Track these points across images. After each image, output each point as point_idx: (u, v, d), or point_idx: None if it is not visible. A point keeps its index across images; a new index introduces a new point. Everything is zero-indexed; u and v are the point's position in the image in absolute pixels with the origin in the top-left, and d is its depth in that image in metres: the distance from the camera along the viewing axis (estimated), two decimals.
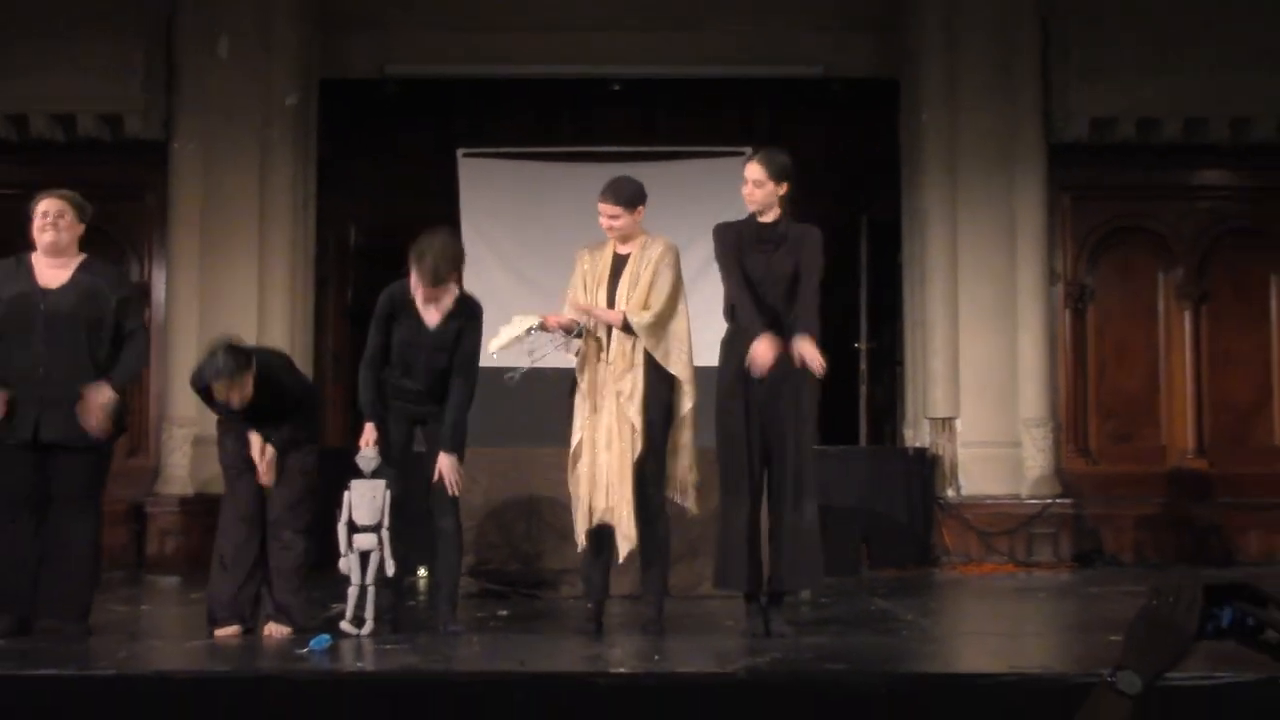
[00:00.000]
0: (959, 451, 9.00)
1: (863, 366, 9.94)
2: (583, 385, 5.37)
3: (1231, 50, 8.91)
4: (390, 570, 5.18)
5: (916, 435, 9.29)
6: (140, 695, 4.06)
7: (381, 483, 5.19)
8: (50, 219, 5.22)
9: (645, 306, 5.33)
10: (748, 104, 10.30)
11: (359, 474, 5.21)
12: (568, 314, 5.42)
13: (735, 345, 5.21)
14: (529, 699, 3.98)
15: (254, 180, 8.98)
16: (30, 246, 5.28)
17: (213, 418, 5.57)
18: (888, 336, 10.11)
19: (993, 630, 6.19)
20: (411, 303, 5.38)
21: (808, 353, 5.02)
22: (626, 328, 5.30)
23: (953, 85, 9.13)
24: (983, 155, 9.09)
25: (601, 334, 5.38)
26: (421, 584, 6.85)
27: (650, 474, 5.32)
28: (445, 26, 9.68)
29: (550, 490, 6.33)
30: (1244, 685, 3.68)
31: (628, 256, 5.42)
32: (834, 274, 10.86)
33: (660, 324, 5.33)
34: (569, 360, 5.50)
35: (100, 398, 5.05)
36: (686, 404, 5.40)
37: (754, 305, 5.15)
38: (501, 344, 5.35)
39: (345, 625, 5.09)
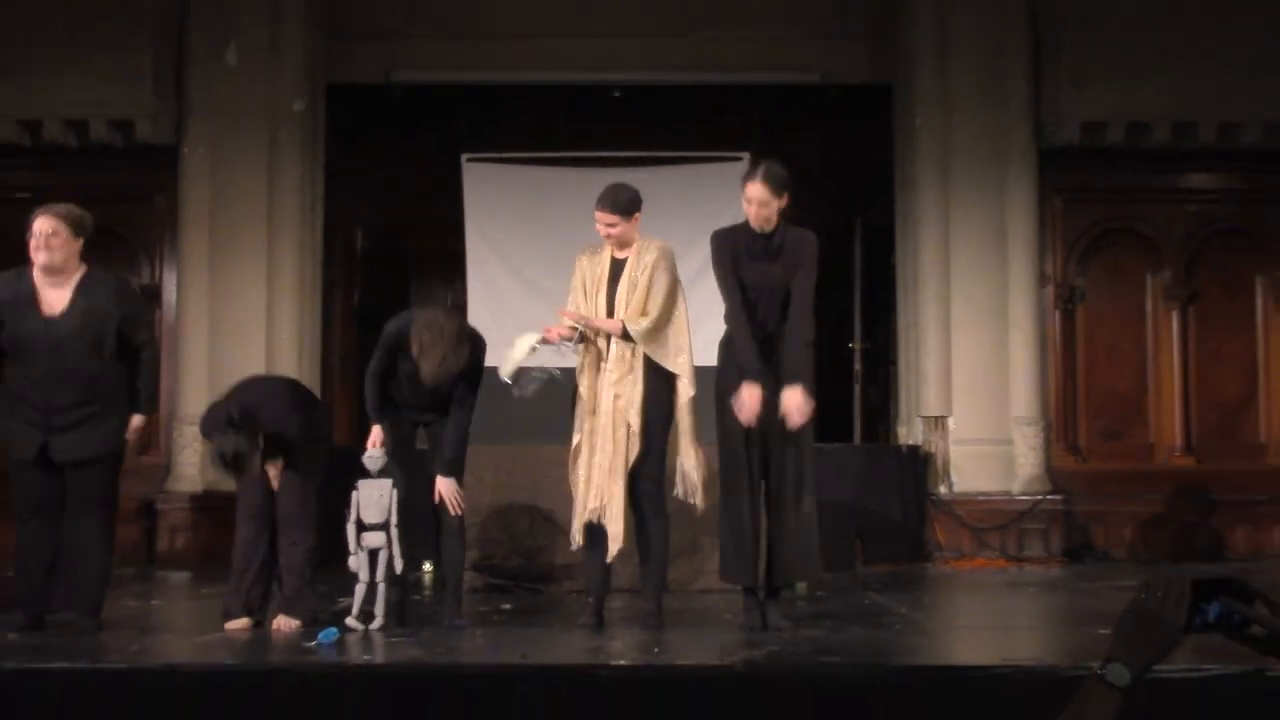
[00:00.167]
0: (951, 449, 9.01)
1: (857, 366, 9.93)
2: (583, 390, 5.38)
3: (1220, 56, 8.90)
4: (399, 567, 5.19)
5: (910, 433, 9.30)
6: (151, 688, 4.07)
7: (388, 482, 5.21)
8: (43, 239, 5.10)
9: (644, 311, 5.33)
10: (745, 110, 10.30)
11: (366, 474, 5.22)
12: (566, 323, 5.40)
13: (733, 349, 5.20)
14: (531, 691, 3.99)
15: (262, 184, 8.98)
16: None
17: None
18: (882, 336, 10.11)
19: (985, 624, 6.19)
20: None
21: (792, 406, 5.02)
22: (626, 335, 5.30)
23: (945, 91, 9.14)
24: (975, 159, 9.09)
25: (601, 341, 5.38)
26: (426, 579, 6.85)
27: (649, 472, 5.32)
28: (449, 34, 9.68)
29: (552, 487, 6.33)
30: (1230, 678, 3.68)
31: (625, 260, 5.43)
32: (829, 276, 10.86)
33: (659, 328, 5.34)
34: (573, 360, 5.50)
35: (134, 426, 5.24)
36: (687, 399, 5.40)
37: (750, 340, 5.11)
38: (510, 370, 5.35)
39: (350, 621, 5.09)
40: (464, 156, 9.63)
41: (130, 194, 9.28)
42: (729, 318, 5.26)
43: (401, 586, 5.36)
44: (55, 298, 5.10)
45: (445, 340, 4.99)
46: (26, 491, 5.10)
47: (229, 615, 5.21)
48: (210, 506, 8.19)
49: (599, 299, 5.39)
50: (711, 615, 5.77)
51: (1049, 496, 8.90)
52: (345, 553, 5.19)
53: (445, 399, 5.31)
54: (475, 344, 5.25)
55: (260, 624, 5.20)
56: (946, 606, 6.94)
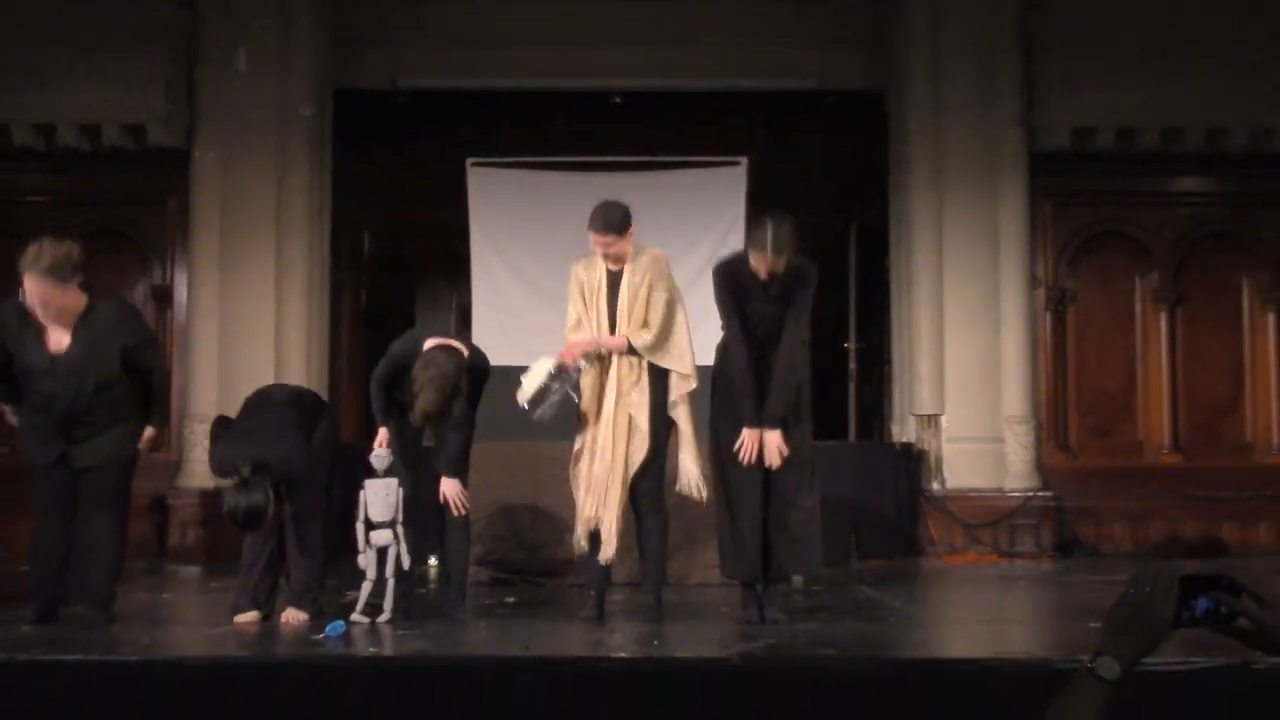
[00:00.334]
0: (944, 447, 9.01)
1: (852, 365, 9.94)
2: (588, 399, 5.37)
3: (1207, 63, 8.90)
4: (406, 564, 5.19)
5: (903, 431, 9.29)
6: (161, 680, 4.06)
7: (394, 480, 5.21)
8: (37, 307, 4.97)
9: (645, 322, 5.32)
10: (744, 116, 10.30)
11: (372, 473, 5.22)
12: (577, 345, 5.35)
13: (733, 384, 5.22)
14: (534, 683, 3.98)
15: (271, 187, 8.97)
16: None
17: (233, 413, 5.57)
18: (876, 337, 10.11)
19: (977, 617, 6.18)
20: None
21: (771, 449, 5.09)
22: (631, 349, 5.31)
23: (938, 96, 9.13)
24: (967, 163, 9.09)
25: (604, 354, 5.38)
26: (432, 573, 6.85)
27: (650, 471, 5.34)
28: (454, 41, 9.68)
29: (554, 484, 6.32)
30: (1217, 670, 3.68)
31: (621, 271, 5.40)
32: (825, 278, 10.88)
33: (662, 339, 5.35)
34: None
35: (146, 436, 5.28)
36: (687, 401, 5.40)
37: (750, 384, 5.14)
38: (528, 396, 5.33)
39: (356, 616, 5.08)
40: (469, 161, 9.63)
41: (142, 197, 9.28)
42: (731, 353, 5.24)
43: (407, 581, 5.35)
44: (59, 335, 5.05)
45: (443, 392, 4.92)
46: (42, 490, 5.11)
47: (238, 609, 5.20)
48: (220, 502, 8.16)
49: (599, 311, 5.37)
50: (709, 609, 5.77)
51: (1040, 493, 8.90)
52: (352, 548, 5.19)
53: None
54: (475, 374, 5.22)
55: (268, 617, 5.20)
56: (939, 600, 6.94)
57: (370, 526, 5.17)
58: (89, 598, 5.11)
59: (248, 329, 8.85)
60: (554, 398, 5.30)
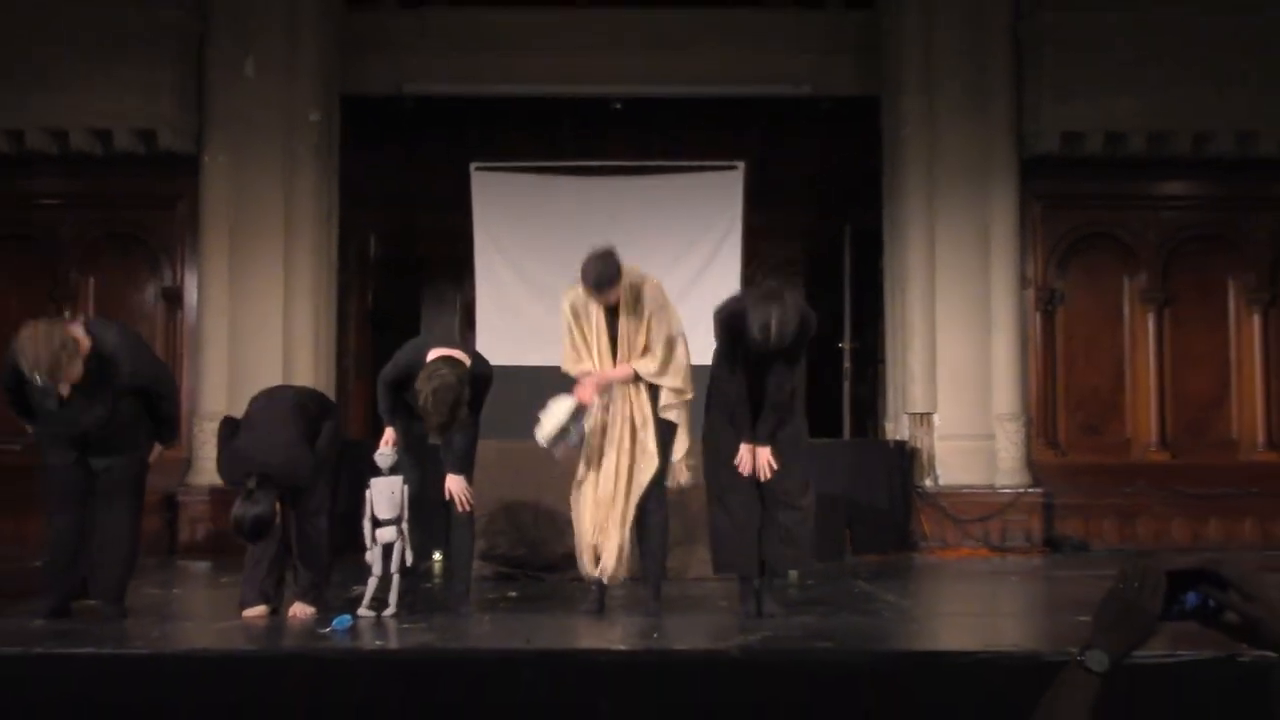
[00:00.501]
0: (936, 444, 9.00)
1: (847, 365, 9.94)
2: (592, 426, 5.38)
3: (1193, 70, 8.90)
4: (410, 560, 5.19)
5: (897, 429, 9.29)
6: (172, 673, 4.06)
7: (399, 478, 5.21)
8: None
9: (646, 347, 5.32)
10: (741, 121, 10.29)
11: (378, 471, 5.22)
12: (590, 384, 5.32)
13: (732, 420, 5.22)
14: (536, 675, 3.98)
15: (279, 191, 8.97)
16: None
17: (240, 412, 5.56)
18: (870, 337, 10.11)
19: (968, 611, 6.18)
20: None
21: (762, 464, 5.15)
22: (637, 377, 5.33)
23: (931, 102, 9.13)
24: (959, 167, 9.08)
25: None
26: (437, 568, 6.84)
27: (656, 477, 5.36)
28: (459, 48, 9.68)
29: (556, 481, 6.31)
30: (1204, 663, 3.68)
31: (617, 300, 5.37)
32: (820, 279, 10.93)
33: (665, 365, 5.36)
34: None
35: (155, 451, 5.36)
36: (682, 411, 5.43)
37: (747, 413, 5.17)
38: (549, 436, 5.32)
39: (363, 610, 5.08)
40: (473, 165, 9.62)
41: (153, 200, 9.28)
42: (725, 385, 5.25)
43: (413, 576, 5.35)
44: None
45: (447, 403, 4.91)
46: (58, 487, 5.11)
47: (246, 603, 5.20)
48: (229, 499, 8.10)
49: (600, 343, 5.37)
50: (708, 602, 5.77)
51: (1030, 489, 8.90)
52: (359, 544, 5.19)
53: None
54: (478, 382, 5.20)
55: (276, 611, 5.19)
56: (932, 594, 6.93)
57: (376, 524, 5.16)
58: (102, 592, 5.11)
59: (256, 329, 8.84)
60: (572, 437, 5.31)
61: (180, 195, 9.19)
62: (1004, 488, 8.88)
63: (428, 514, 5.46)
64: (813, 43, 9.78)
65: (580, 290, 5.33)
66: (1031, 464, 9.05)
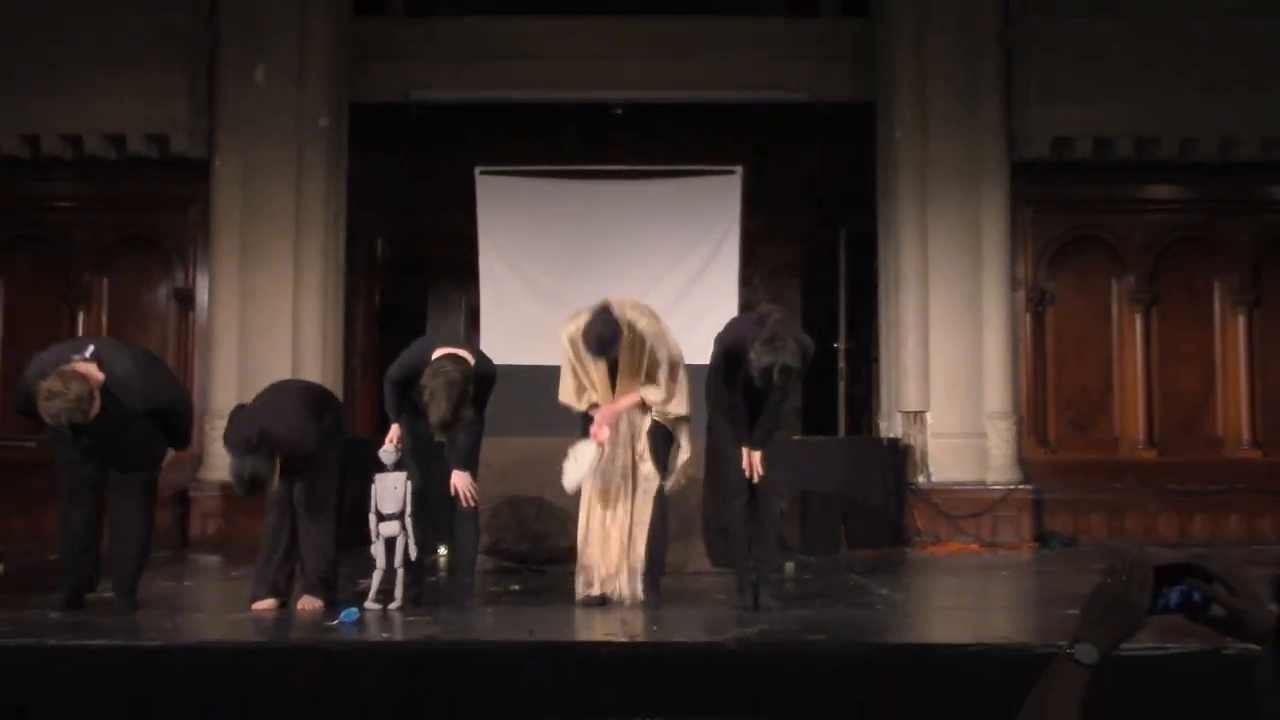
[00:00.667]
0: (929, 441, 9.00)
1: (841, 364, 9.92)
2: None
3: (1180, 77, 8.91)
4: (413, 554, 5.17)
5: (890, 427, 9.28)
6: (183, 664, 4.05)
7: (402, 475, 5.20)
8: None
9: (647, 375, 5.32)
10: (738, 127, 10.29)
11: (382, 468, 5.21)
12: (604, 422, 5.31)
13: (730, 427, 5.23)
14: (538, 666, 3.97)
15: (289, 195, 8.97)
16: None
17: None
18: (864, 337, 10.10)
19: (960, 605, 6.17)
20: None
21: (755, 461, 5.17)
22: (642, 403, 5.36)
23: (924, 108, 9.13)
24: (951, 171, 9.08)
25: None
26: (442, 562, 6.84)
27: (653, 464, 5.37)
28: (464, 57, 9.68)
29: (557, 478, 6.30)
30: (1190, 655, 3.67)
31: None
32: (816, 280, 10.92)
33: (670, 392, 5.36)
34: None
35: (167, 457, 5.35)
36: (685, 440, 5.47)
37: (745, 425, 5.20)
38: (576, 482, 5.34)
39: (369, 603, 5.08)
40: (477, 170, 9.62)
41: (165, 203, 9.28)
42: (723, 403, 5.27)
43: (417, 570, 5.34)
44: None
45: (451, 400, 4.88)
46: (71, 483, 5.10)
47: (256, 596, 5.19)
48: (239, 495, 8.16)
49: (602, 375, 5.36)
50: (706, 596, 5.76)
51: (1020, 486, 8.89)
52: (365, 538, 5.18)
53: None
54: (482, 381, 5.18)
55: (285, 604, 5.18)
56: (925, 588, 6.92)
57: (379, 518, 5.16)
58: (115, 585, 5.11)
59: (266, 329, 8.84)
60: (590, 473, 5.33)
61: (192, 199, 9.19)
62: (995, 484, 8.88)
63: (432, 510, 5.45)
64: (809, 50, 9.78)
65: (581, 322, 5.30)
66: (1022, 461, 9.05)
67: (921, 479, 8.96)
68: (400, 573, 5.14)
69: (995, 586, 6.88)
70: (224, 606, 5.67)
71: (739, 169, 9.53)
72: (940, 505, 8.84)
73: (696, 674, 4.00)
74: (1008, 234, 9.16)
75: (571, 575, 5.79)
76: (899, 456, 8.93)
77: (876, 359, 9.79)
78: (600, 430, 5.30)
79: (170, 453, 5.38)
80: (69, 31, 8.75)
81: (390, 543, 5.14)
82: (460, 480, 5.30)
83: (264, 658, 4.14)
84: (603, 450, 5.31)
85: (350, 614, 4.79)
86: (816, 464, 8.17)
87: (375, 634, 4.60)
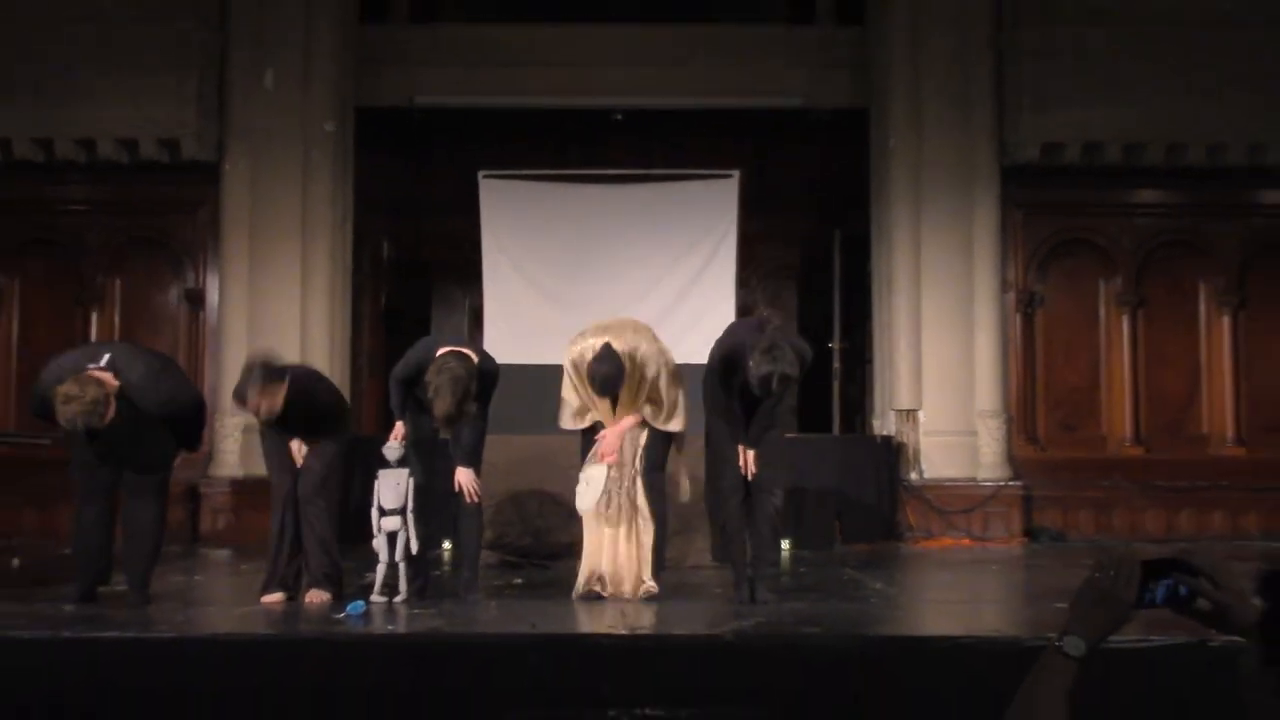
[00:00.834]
0: (921, 439, 9.00)
1: (836, 364, 9.92)
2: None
3: (1168, 84, 8.91)
4: (414, 548, 5.17)
5: (884, 425, 9.29)
6: (194, 656, 4.06)
7: (405, 471, 5.21)
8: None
9: (648, 396, 5.32)
10: (736, 132, 10.28)
11: (386, 464, 5.21)
12: (613, 444, 5.32)
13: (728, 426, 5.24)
14: (540, 658, 3.98)
15: (297, 197, 8.97)
16: None
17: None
18: (859, 337, 10.10)
19: (952, 598, 6.17)
20: None
21: (750, 459, 5.18)
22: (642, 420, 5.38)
23: (918, 114, 9.13)
24: (943, 176, 9.08)
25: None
26: (446, 556, 6.84)
27: (652, 460, 5.40)
28: (468, 62, 9.67)
29: (559, 474, 6.33)
30: (1176, 647, 3.68)
31: None
32: (812, 282, 10.91)
33: (670, 409, 5.37)
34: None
35: (179, 458, 5.36)
36: (681, 437, 5.49)
37: (742, 425, 5.20)
38: (590, 504, 5.34)
39: (375, 596, 5.08)
40: (481, 174, 9.62)
41: (176, 206, 9.28)
42: (720, 405, 5.27)
43: (421, 564, 5.34)
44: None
45: (455, 395, 4.90)
46: (85, 481, 5.11)
47: (265, 589, 5.20)
48: (249, 490, 8.18)
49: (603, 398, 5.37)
50: (704, 590, 5.77)
51: (1010, 483, 8.90)
52: (370, 533, 5.18)
53: None
54: (485, 378, 5.19)
55: (293, 597, 5.19)
56: (917, 582, 6.92)
57: (381, 513, 5.16)
58: (128, 580, 5.11)
59: (274, 329, 8.83)
60: (602, 493, 5.34)
61: (202, 201, 9.19)
62: (986, 481, 8.88)
63: (437, 505, 5.45)
64: (805, 57, 9.78)
65: (582, 347, 5.30)
66: (1012, 458, 9.05)
67: (914, 476, 8.97)
68: (402, 566, 5.14)
69: (986, 581, 6.89)
70: (234, 600, 5.69)
71: (736, 173, 9.53)
72: (932, 501, 8.84)
73: (695, 666, 4.01)
74: (999, 237, 9.16)
75: (572, 569, 5.81)
76: (892, 454, 8.93)
77: (870, 359, 9.79)
78: (610, 454, 5.31)
79: (182, 456, 5.39)
80: (82, 38, 8.75)
81: (392, 537, 5.15)
82: (464, 476, 5.30)
83: (273, 649, 4.15)
84: (611, 471, 5.32)
85: (356, 607, 4.80)
86: (812, 461, 8.16)
87: (381, 626, 4.61)
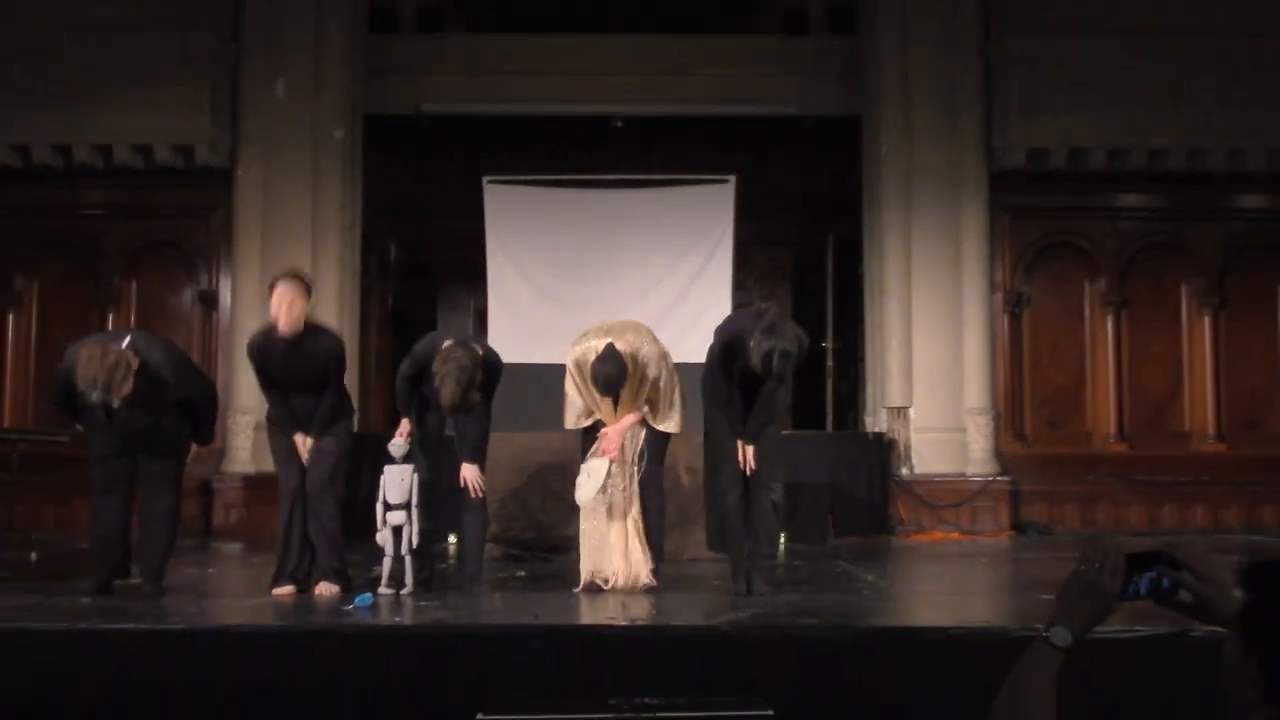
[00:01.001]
0: (912, 436, 9.00)
1: (829, 363, 9.94)
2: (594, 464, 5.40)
3: (1149, 91, 8.92)
4: (415, 542, 5.16)
5: (875, 422, 9.29)
6: (207, 647, 4.05)
7: (409, 467, 5.19)
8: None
9: (650, 400, 5.32)
10: (732, 138, 10.30)
11: (391, 460, 5.21)
12: (614, 441, 5.30)
13: (726, 416, 5.24)
14: (544, 648, 3.97)
15: (307, 202, 8.97)
16: None
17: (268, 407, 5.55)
18: (851, 337, 10.11)
19: (942, 590, 6.16)
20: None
21: (748, 454, 5.16)
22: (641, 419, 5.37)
23: (908, 121, 9.13)
24: (933, 181, 9.09)
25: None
26: (451, 550, 6.84)
27: (652, 455, 5.39)
28: (473, 71, 9.69)
29: (561, 470, 6.31)
30: (1159, 638, 3.67)
31: None
32: (805, 284, 10.90)
33: (666, 409, 5.36)
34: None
35: (192, 451, 5.32)
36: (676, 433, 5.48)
37: (740, 418, 5.17)
38: (589, 496, 5.32)
39: (382, 589, 5.07)
40: (485, 179, 9.63)
41: (190, 210, 9.28)
42: (719, 398, 5.24)
43: (426, 557, 5.33)
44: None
45: (461, 383, 4.88)
46: (103, 476, 5.10)
47: (275, 582, 5.19)
48: (259, 486, 8.18)
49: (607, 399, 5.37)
50: (701, 581, 5.75)
51: (998, 478, 8.90)
52: (377, 527, 5.17)
53: None
54: (490, 369, 5.17)
55: (303, 590, 5.18)
56: (908, 574, 6.91)
57: (387, 507, 5.16)
58: (143, 572, 5.11)
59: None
60: (602, 487, 5.33)
61: (215, 206, 9.19)
62: (974, 476, 8.88)
63: (442, 500, 5.44)
64: (800, 67, 9.79)
65: (584, 349, 5.29)
66: (1000, 454, 9.05)
67: (905, 471, 8.97)
68: (407, 559, 5.14)
69: (974, 573, 6.88)
70: (245, 592, 5.67)
71: (732, 178, 9.53)
72: (922, 496, 8.84)
73: (693, 656, 4.00)
74: (986, 240, 9.17)
75: (576, 563, 5.80)
76: (883, 450, 8.93)
77: (862, 358, 9.79)
78: (613, 449, 5.31)
79: (194, 448, 5.38)
80: (100, 49, 8.75)
81: (397, 531, 5.14)
82: (469, 472, 5.30)
83: (283, 640, 4.14)
84: (612, 466, 5.31)
85: (364, 599, 4.79)
86: (806, 457, 8.16)
87: (388, 618, 4.59)
